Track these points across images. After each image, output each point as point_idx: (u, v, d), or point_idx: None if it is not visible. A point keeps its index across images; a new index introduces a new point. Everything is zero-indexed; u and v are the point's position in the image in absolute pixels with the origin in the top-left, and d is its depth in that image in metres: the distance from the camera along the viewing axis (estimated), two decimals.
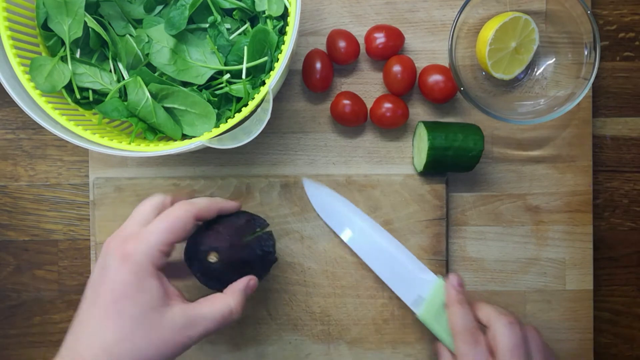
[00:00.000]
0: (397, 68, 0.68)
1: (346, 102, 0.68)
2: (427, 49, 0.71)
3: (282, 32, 0.63)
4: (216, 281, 0.56)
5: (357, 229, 0.68)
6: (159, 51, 0.61)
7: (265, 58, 0.61)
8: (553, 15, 0.69)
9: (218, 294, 0.53)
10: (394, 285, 0.67)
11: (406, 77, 0.68)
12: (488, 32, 0.66)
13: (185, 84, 0.62)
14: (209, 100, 0.61)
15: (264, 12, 0.62)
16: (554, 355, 0.59)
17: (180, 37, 0.62)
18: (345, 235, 0.68)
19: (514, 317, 0.59)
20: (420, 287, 0.65)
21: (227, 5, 0.62)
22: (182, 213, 0.52)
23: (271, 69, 0.61)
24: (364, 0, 0.70)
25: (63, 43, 0.61)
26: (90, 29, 0.60)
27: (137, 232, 0.51)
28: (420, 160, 0.68)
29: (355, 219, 0.68)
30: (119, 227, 0.54)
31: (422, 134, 0.67)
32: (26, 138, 0.72)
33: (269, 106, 0.55)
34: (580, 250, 0.71)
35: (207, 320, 0.50)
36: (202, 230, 0.57)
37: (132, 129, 0.62)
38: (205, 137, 0.56)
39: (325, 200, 0.68)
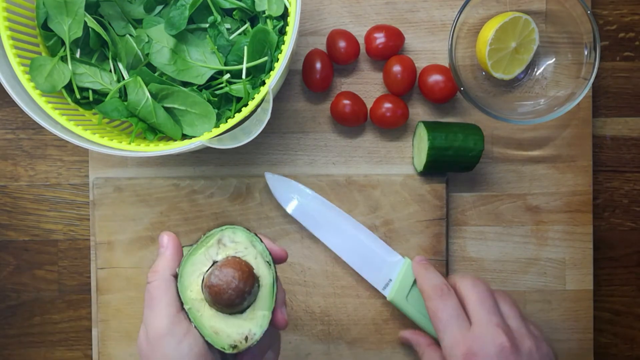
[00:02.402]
0: (397, 68, 0.68)
1: (346, 102, 0.68)
2: (427, 49, 0.71)
3: (282, 32, 0.63)
4: None
5: (324, 219, 0.68)
6: (159, 51, 0.61)
7: (265, 58, 0.61)
8: (553, 15, 0.69)
9: None
10: (365, 272, 0.67)
11: (406, 77, 0.68)
12: (488, 32, 0.66)
13: (185, 84, 0.62)
14: (209, 100, 0.61)
15: (264, 12, 0.62)
16: (535, 326, 0.59)
17: (180, 37, 0.62)
18: (313, 227, 0.68)
19: (480, 279, 0.60)
20: (389, 270, 0.66)
21: (227, 5, 0.62)
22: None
23: (271, 69, 0.61)
24: (364, 0, 0.70)
25: (63, 43, 0.61)
26: (90, 29, 0.60)
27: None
28: (420, 160, 0.68)
29: (322, 209, 0.68)
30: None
31: (422, 134, 0.67)
32: (26, 138, 0.72)
33: (269, 106, 0.55)
34: (580, 250, 0.71)
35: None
36: None
37: (132, 129, 0.62)
38: (205, 137, 0.56)
39: (289, 194, 0.68)
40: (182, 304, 0.49)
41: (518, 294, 0.71)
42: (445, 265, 0.69)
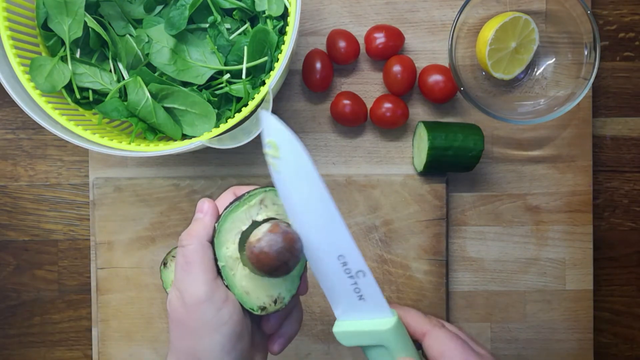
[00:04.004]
0: (397, 68, 0.68)
1: (346, 102, 0.68)
2: (427, 49, 0.71)
3: (282, 32, 0.63)
4: None
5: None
6: (159, 51, 0.61)
7: (265, 58, 0.61)
8: (553, 15, 0.69)
9: None
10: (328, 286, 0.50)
11: (406, 77, 0.68)
12: (488, 32, 0.66)
13: (185, 84, 0.62)
14: (209, 100, 0.61)
15: (264, 12, 0.62)
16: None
17: (180, 37, 0.62)
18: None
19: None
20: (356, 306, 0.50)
21: (227, 5, 0.62)
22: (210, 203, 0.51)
23: (271, 69, 0.61)
24: (364, 0, 0.70)
25: (63, 43, 0.61)
26: (90, 29, 0.60)
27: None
28: (420, 160, 0.68)
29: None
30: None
31: (422, 134, 0.67)
32: (26, 138, 0.72)
33: (269, 106, 0.55)
34: (580, 250, 0.71)
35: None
36: None
37: (132, 129, 0.62)
38: (205, 137, 0.56)
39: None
40: (218, 267, 0.48)
41: (518, 294, 0.71)
42: (445, 265, 0.69)
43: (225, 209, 0.49)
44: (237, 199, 0.50)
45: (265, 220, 0.49)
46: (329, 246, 0.49)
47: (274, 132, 0.47)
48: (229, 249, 0.48)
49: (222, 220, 0.49)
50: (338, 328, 0.49)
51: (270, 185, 0.51)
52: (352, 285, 0.49)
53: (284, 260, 0.46)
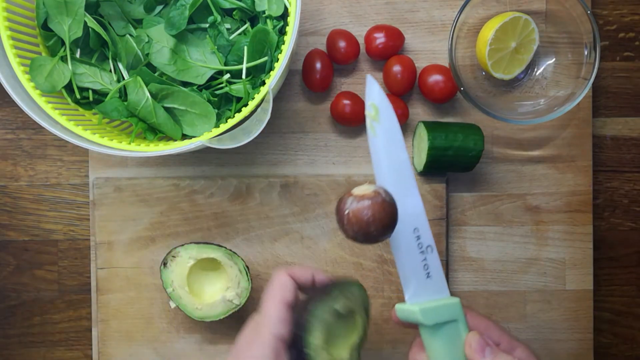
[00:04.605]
0: (397, 68, 0.68)
1: (346, 102, 0.68)
2: (427, 49, 0.71)
3: (282, 32, 0.63)
4: None
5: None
6: (159, 51, 0.61)
7: (265, 58, 0.61)
8: (553, 15, 0.69)
9: None
10: (401, 257, 0.52)
11: (406, 77, 0.68)
12: (488, 32, 0.66)
13: (185, 84, 0.62)
14: (209, 100, 0.61)
15: (264, 12, 0.62)
16: None
17: (180, 37, 0.62)
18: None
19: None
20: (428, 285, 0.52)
21: (227, 5, 0.62)
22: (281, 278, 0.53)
23: (271, 69, 0.61)
24: (364, 0, 0.70)
25: (63, 43, 0.61)
26: (90, 29, 0.60)
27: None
28: (420, 160, 0.68)
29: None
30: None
31: (422, 134, 0.67)
32: (26, 138, 0.72)
33: (269, 106, 0.55)
34: (580, 250, 0.71)
35: None
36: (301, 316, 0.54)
37: (132, 129, 0.62)
38: (205, 137, 0.56)
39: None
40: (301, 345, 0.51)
41: (518, 294, 0.71)
42: (445, 265, 0.69)
43: (314, 301, 0.52)
44: (322, 292, 0.53)
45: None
46: (408, 218, 0.51)
47: (376, 96, 0.51)
48: (315, 336, 0.51)
49: (311, 309, 0.52)
50: (417, 307, 0.50)
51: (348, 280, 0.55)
52: (423, 262, 0.51)
53: (384, 223, 0.46)
